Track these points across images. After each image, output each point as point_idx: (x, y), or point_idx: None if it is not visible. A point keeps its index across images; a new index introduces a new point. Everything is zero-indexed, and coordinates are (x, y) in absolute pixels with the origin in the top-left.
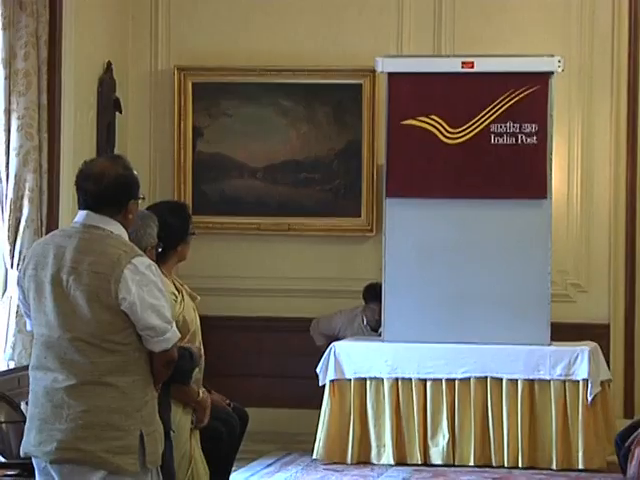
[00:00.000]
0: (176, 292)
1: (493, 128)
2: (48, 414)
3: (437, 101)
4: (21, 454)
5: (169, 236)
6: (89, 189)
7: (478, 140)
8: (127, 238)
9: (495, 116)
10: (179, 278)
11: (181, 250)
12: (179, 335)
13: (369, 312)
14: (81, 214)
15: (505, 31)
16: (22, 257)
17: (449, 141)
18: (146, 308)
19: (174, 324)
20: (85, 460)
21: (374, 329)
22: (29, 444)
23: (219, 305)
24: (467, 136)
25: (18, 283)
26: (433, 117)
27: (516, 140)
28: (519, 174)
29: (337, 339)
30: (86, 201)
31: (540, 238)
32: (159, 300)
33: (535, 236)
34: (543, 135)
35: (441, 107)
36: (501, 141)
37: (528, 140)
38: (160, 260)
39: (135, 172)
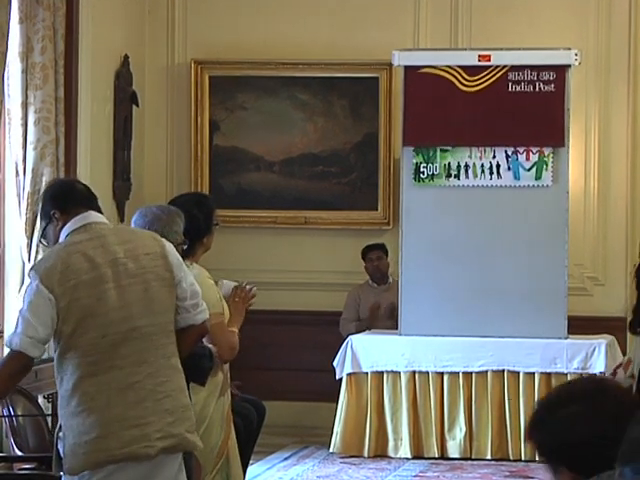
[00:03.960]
0: (212, 278)
1: (511, 76)
2: (130, 411)
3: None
4: (93, 468)
5: (196, 229)
6: (81, 189)
7: (495, 88)
8: None
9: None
10: None
11: (207, 241)
12: (207, 309)
13: (369, 264)
14: (88, 215)
15: (522, 24)
16: (44, 273)
17: (466, 89)
18: (187, 277)
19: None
20: (178, 444)
21: (379, 281)
22: (110, 451)
23: None
24: (485, 84)
25: (49, 300)
26: (450, 65)
27: (534, 88)
28: (537, 122)
29: (360, 318)
30: (82, 202)
31: (557, 231)
32: (191, 277)
33: (552, 229)
34: (561, 83)
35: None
36: (519, 89)
37: (546, 88)
38: (188, 252)
39: None
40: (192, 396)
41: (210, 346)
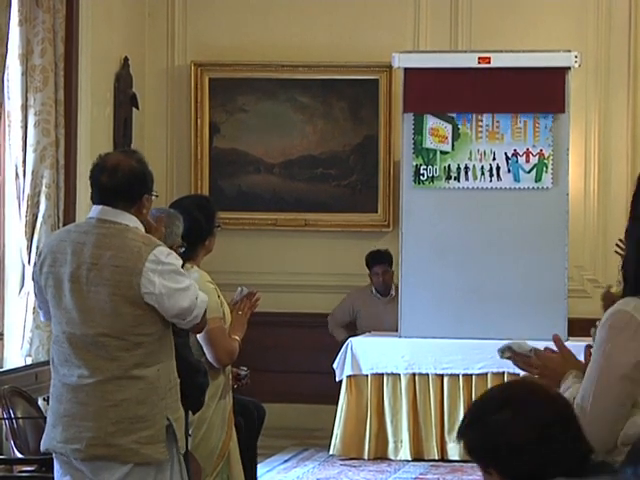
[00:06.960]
0: (213, 282)
1: None
2: (75, 411)
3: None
4: (42, 449)
5: (198, 231)
6: (104, 182)
7: None
8: (143, 231)
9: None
10: None
11: (209, 244)
12: (206, 300)
13: (374, 277)
14: (96, 208)
15: (522, 26)
16: (38, 252)
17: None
18: (172, 294)
19: (199, 296)
20: (117, 454)
21: (383, 293)
22: (54, 440)
23: None
24: None
25: (33, 278)
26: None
27: None
28: (537, 88)
29: (354, 323)
30: (101, 195)
31: (557, 233)
32: (182, 283)
33: (552, 231)
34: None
35: None
36: None
37: None
38: (190, 255)
39: (149, 167)
40: None
41: (206, 358)
